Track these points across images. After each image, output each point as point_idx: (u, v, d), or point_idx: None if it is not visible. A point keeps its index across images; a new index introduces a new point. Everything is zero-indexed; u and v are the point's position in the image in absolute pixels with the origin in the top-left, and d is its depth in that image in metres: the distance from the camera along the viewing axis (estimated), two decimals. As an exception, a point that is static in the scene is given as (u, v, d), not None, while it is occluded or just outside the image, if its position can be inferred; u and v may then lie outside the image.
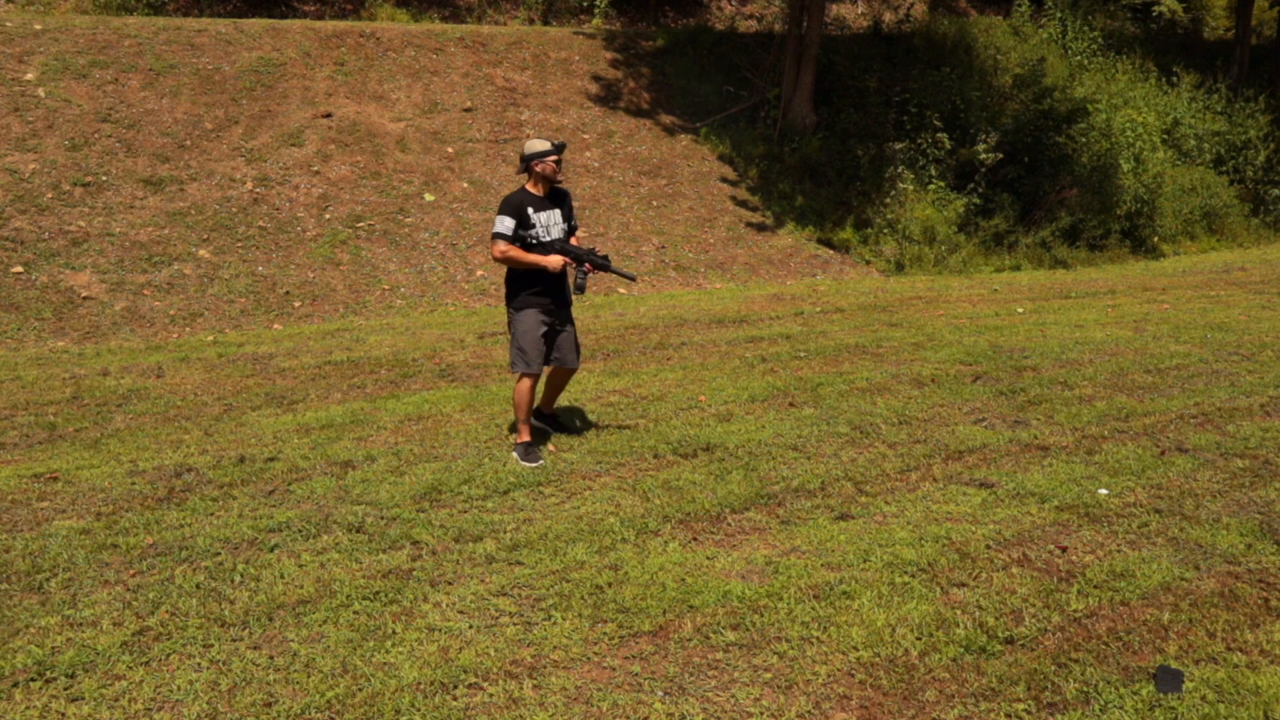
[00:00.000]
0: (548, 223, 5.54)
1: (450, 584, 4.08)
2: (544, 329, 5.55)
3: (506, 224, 5.40)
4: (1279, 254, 16.18)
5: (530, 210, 5.46)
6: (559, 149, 5.46)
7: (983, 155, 14.64)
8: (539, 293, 5.52)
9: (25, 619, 3.77)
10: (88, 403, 6.94)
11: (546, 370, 5.81)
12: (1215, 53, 22.21)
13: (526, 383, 5.54)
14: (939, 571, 4.18)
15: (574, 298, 5.70)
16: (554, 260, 5.45)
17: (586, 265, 5.54)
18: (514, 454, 5.59)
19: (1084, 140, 15.53)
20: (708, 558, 4.33)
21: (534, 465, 5.46)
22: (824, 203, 14.59)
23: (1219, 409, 6.57)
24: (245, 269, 10.46)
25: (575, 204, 13.02)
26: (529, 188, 5.53)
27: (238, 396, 7.09)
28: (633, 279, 5.88)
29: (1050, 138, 15.30)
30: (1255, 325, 9.41)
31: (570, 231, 5.66)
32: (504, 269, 5.66)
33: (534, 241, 5.48)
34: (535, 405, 5.84)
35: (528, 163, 5.48)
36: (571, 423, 6.23)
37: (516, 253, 5.40)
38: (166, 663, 3.48)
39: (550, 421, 6.11)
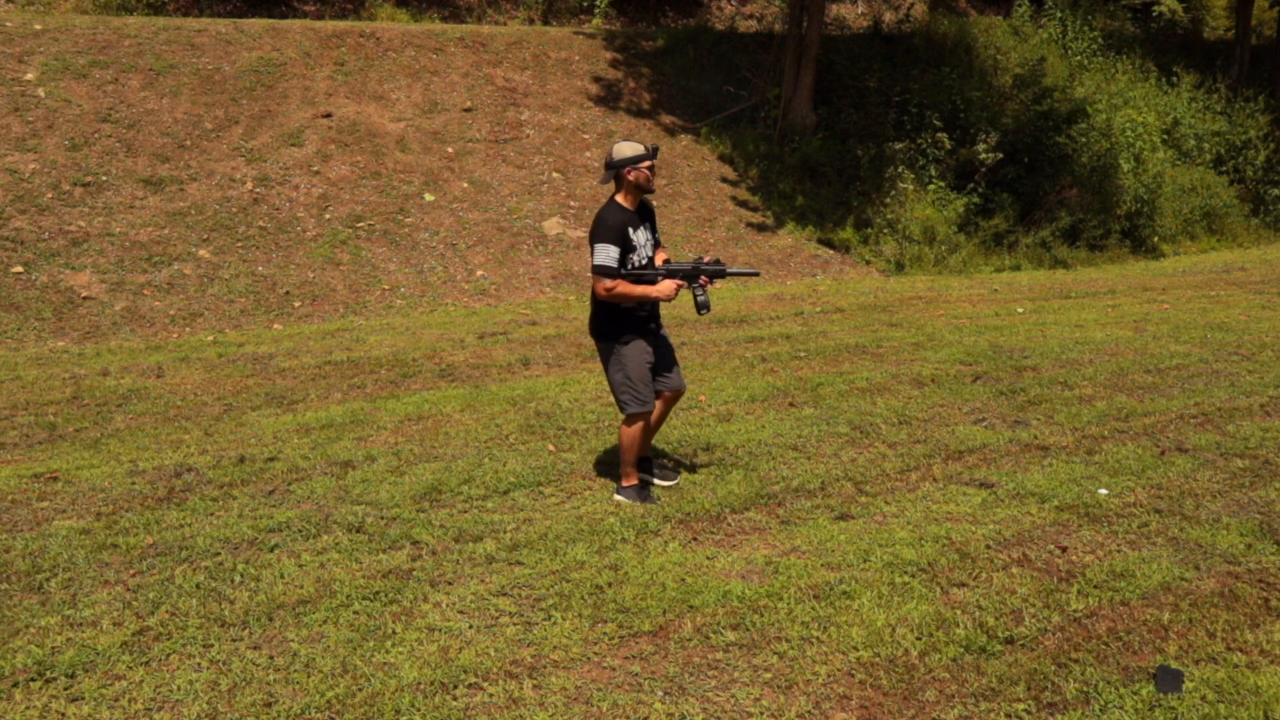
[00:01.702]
0: (643, 242, 4.75)
1: (450, 584, 4.08)
2: (650, 359, 4.82)
3: (611, 254, 4.56)
4: (1279, 254, 16.18)
5: (630, 231, 4.65)
6: (653, 153, 4.69)
7: (983, 155, 14.64)
8: (642, 323, 4.79)
9: (25, 619, 3.77)
10: (88, 403, 6.94)
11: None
12: (1215, 53, 22.21)
13: (640, 424, 4.84)
14: (939, 571, 4.18)
15: (700, 316, 4.90)
16: (667, 288, 4.65)
17: (703, 279, 4.79)
18: (620, 497, 4.98)
19: (1084, 140, 15.52)
20: (708, 558, 4.33)
21: (653, 504, 4.92)
22: (824, 203, 14.59)
23: (1219, 409, 6.57)
24: (245, 269, 10.46)
25: (575, 205, 13.02)
26: (621, 201, 4.70)
27: (238, 396, 7.09)
28: (755, 274, 5.13)
29: (1050, 138, 15.30)
30: (1255, 325, 9.41)
31: (656, 247, 4.90)
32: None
33: (631, 267, 4.67)
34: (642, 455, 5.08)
35: (618, 169, 4.65)
36: (664, 464, 5.44)
37: (625, 288, 4.60)
38: (166, 663, 3.48)
39: (647, 468, 5.20)
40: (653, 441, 5.49)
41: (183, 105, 12.17)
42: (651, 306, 4.84)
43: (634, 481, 5.00)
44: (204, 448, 5.91)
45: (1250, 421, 6.30)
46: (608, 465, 5.50)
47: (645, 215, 4.82)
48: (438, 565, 4.24)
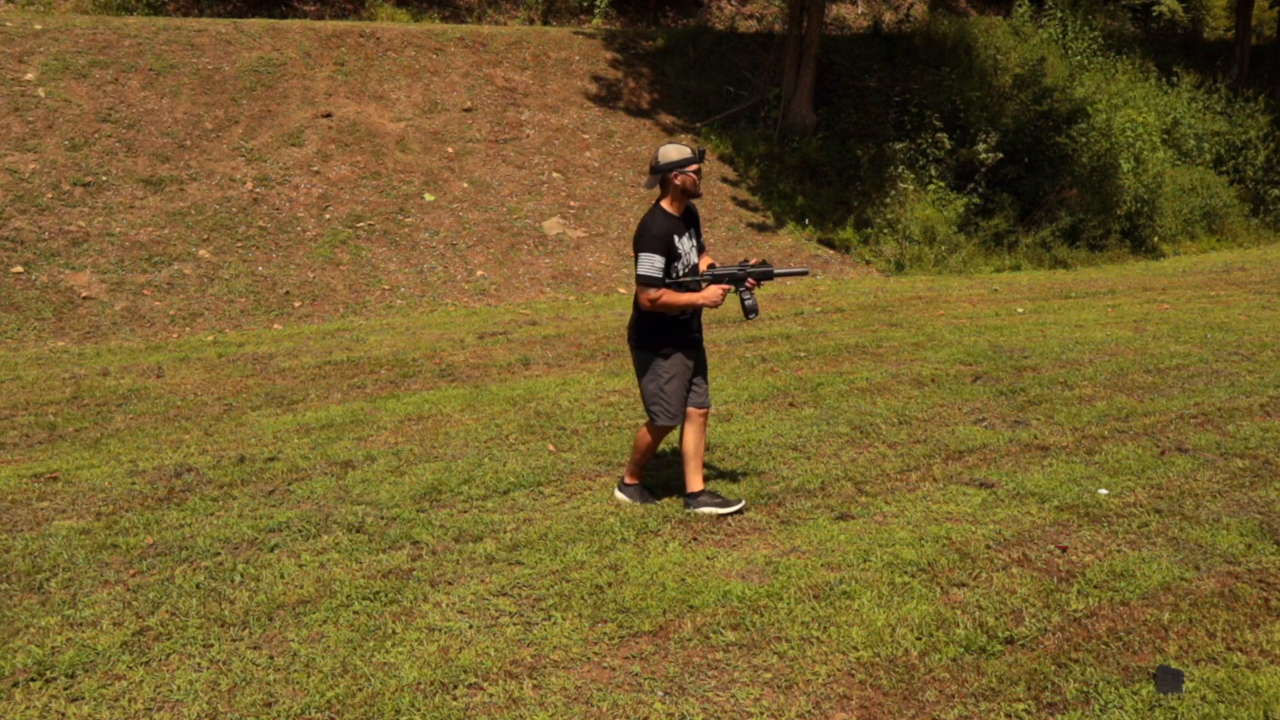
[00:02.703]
0: (688, 249, 4.58)
1: (450, 584, 4.08)
2: (689, 374, 4.69)
3: (656, 264, 4.40)
4: (1279, 254, 16.18)
5: (675, 239, 4.50)
6: (700, 156, 4.50)
7: (983, 155, 14.64)
8: (684, 333, 4.64)
9: (25, 619, 3.77)
10: (88, 403, 6.94)
11: (689, 435, 4.80)
12: (1215, 53, 22.20)
13: (662, 434, 4.74)
14: (939, 571, 4.18)
15: (749, 320, 4.70)
16: (713, 294, 4.50)
17: (749, 281, 4.64)
18: (621, 495, 4.94)
19: (1084, 140, 15.52)
20: (708, 558, 4.33)
21: (653, 504, 4.86)
22: (824, 203, 14.59)
23: (1219, 409, 6.57)
24: (245, 269, 10.46)
25: (575, 204, 13.02)
26: (667, 207, 4.54)
27: (238, 396, 7.10)
28: (805, 273, 5.06)
29: (1050, 138, 15.30)
30: (1255, 325, 9.41)
31: (700, 252, 4.73)
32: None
33: (675, 275, 4.51)
34: (697, 489, 4.82)
35: (664, 174, 4.48)
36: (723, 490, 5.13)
37: (670, 297, 4.45)
38: (166, 663, 3.48)
39: (704, 500, 4.82)
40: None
41: (183, 105, 12.17)
42: (694, 314, 4.68)
43: (637, 481, 4.95)
44: (204, 448, 5.91)
45: (1250, 421, 6.30)
46: (608, 465, 5.50)
47: (690, 220, 4.66)
48: (438, 565, 4.24)
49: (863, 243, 14.01)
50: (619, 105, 15.19)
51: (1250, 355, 8.09)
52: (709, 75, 16.43)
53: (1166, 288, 12.25)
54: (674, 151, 4.48)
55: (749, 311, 4.65)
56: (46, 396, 7.09)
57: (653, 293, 4.43)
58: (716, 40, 17.21)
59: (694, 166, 4.48)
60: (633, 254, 4.52)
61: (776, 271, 4.69)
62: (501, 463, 5.54)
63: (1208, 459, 5.60)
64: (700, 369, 4.82)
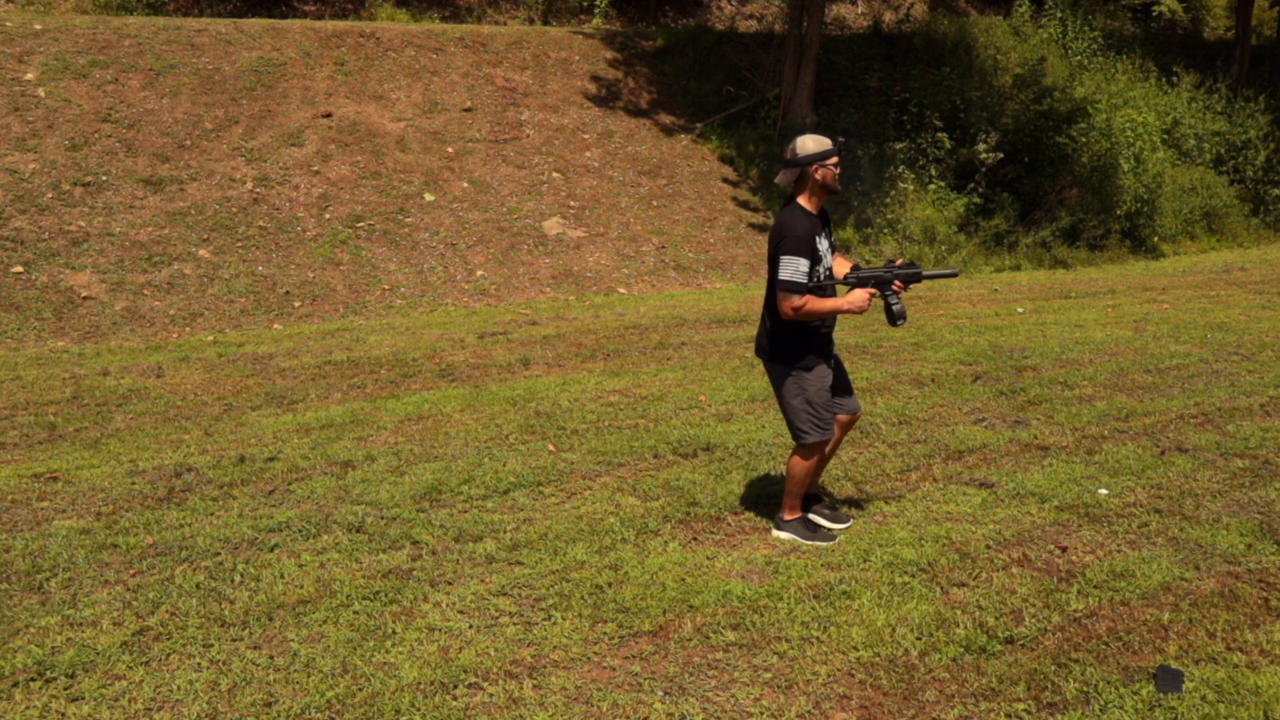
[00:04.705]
0: (826, 250, 4.19)
1: (450, 584, 4.08)
2: (829, 381, 4.33)
3: (801, 268, 4.00)
4: (1279, 254, 16.18)
5: (816, 239, 4.10)
6: (841, 149, 4.12)
7: (983, 155, 14.64)
8: (824, 342, 4.28)
9: (25, 619, 3.77)
10: (88, 403, 6.94)
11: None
12: (1215, 53, 22.21)
13: (817, 456, 4.37)
14: (939, 571, 4.18)
15: (896, 327, 4.40)
16: (859, 298, 4.09)
17: (896, 284, 4.23)
18: (783, 534, 4.51)
19: (1084, 140, 15.53)
20: (708, 558, 4.33)
21: (828, 542, 4.45)
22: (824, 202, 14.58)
23: (1219, 409, 6.56)
24: (245, 269, 10.46)
25: (575, 204, 13.02)
26: (804, 204, 4.15)
27: (238, 396, 7.10)
28: (954, 275, 4.57)
29: (1050, 138, 15.30)
30: (1255, 325, 9.41)
31: (833, 252, 4.33)
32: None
33: (815, 280, 4.12)
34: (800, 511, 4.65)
35: (804, 167, 4.09)
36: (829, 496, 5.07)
37: (816, 304, 4.05)
38: (166, 663, 3.48)
39: (806, 505, 4.68)
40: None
41: (183, 105, 12.17)
42: (833, 322, 4.33)
43: (798, 514, 4.54)
44: (204, 448, 5.91)
45: (1250, 421, 6.30)
46: (608, 465, 5.50)
47: (824, 219, 4.26)
48: (438, 565, 4.24)
49: (863, 243, 14.01)
50: (619, 105, 15.19)
51: (1250, 355, 8.09)
52: (709, 75, 16.43)
53: (1166, 288, 12.25)
54: (813, 143, 4.08)
55: (896, 317, 4.27)
56: (46, 396, 7.09)
57: (797, 300, 4.04)
58: (716, 40, 17.22)
59: (834, 159, 4.11)
60: (769, 257, 4.14)
61: (925, 273, 4.32)
62: (501, 463, 5.54)
63: (1208, 459, 5.60)
64: (842, 383, 4.47)
